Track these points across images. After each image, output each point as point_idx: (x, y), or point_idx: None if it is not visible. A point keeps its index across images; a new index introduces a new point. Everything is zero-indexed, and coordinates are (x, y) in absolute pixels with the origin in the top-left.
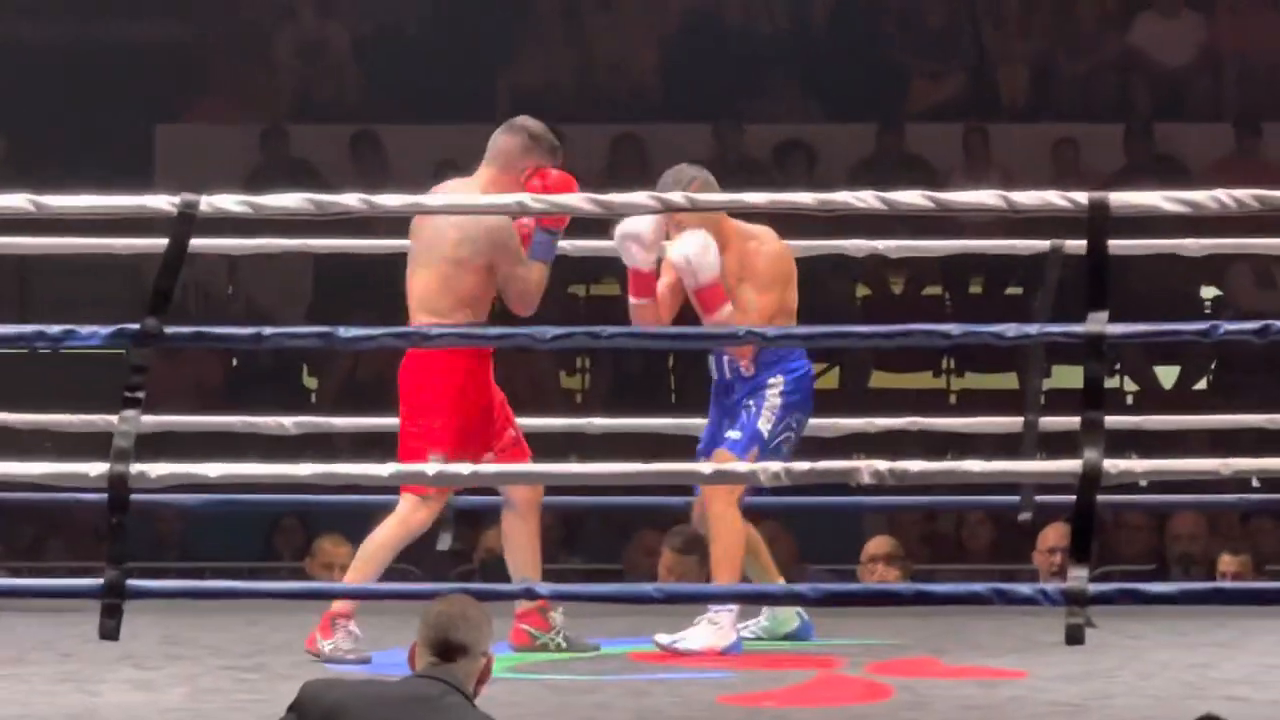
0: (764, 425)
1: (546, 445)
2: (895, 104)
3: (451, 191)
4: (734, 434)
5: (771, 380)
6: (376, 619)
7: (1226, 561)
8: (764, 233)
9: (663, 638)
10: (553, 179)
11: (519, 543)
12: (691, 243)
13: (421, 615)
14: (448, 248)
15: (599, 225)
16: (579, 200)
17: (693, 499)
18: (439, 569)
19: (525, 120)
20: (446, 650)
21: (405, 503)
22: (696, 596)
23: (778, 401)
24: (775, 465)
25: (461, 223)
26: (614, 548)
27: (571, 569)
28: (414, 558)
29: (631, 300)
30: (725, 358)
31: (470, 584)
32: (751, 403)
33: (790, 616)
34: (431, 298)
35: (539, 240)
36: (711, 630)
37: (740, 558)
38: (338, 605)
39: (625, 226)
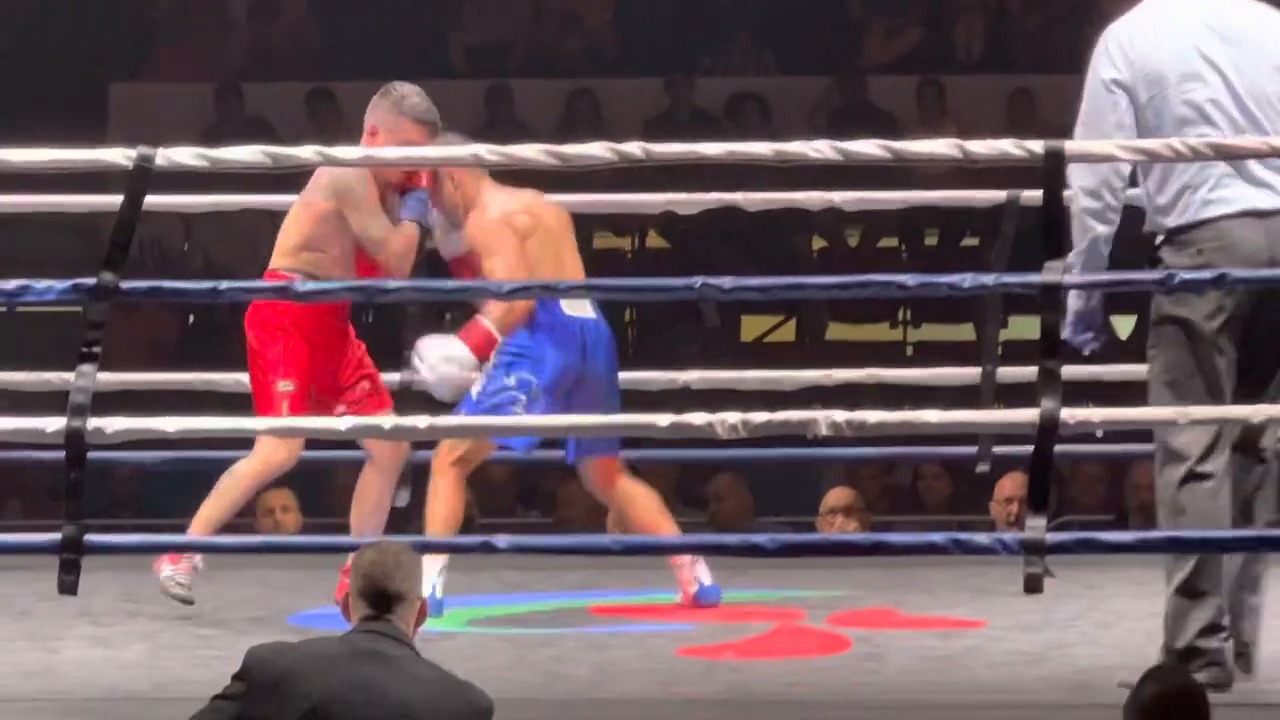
0: (474, 388)
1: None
2: (850, 57)
3: None
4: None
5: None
6: (303, 574)
7: None
8: (491, 199)
9: None
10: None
11: (367, 498)
12: (437, 376)
13: (353, 565)
14: (305, 192)
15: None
16: (535, 152)
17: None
18: (397, 526)
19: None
20: (384, 600)
21: (267, 443)
22: (655, 548)
23: (492, 362)
24: (732, 417)
25: (322, 169)
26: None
27: (531, 523)
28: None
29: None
30: None
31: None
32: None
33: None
34: (282, 236)
35: (408, 200)
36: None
37: (454, 517)
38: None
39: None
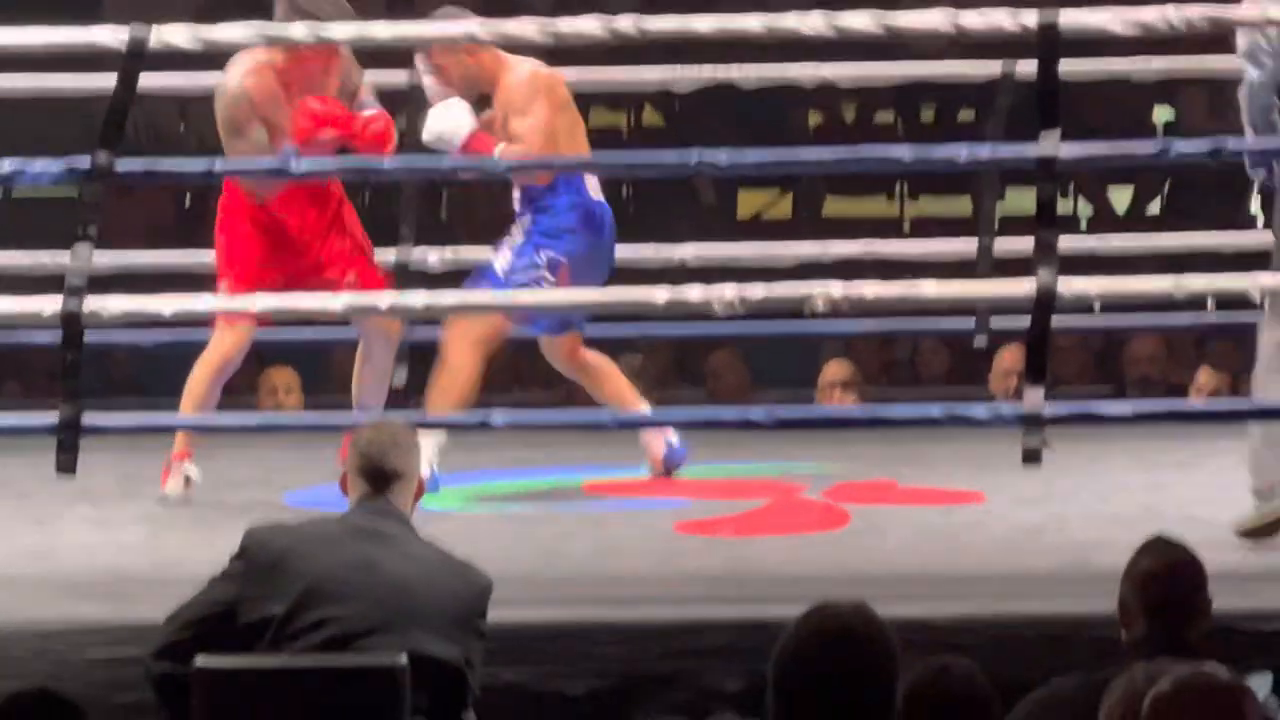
0: (500, 264)
1: None
2: None
3: None
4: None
5: (522, 218)
6: (296, 452)
7: (1207, 376)
8: (517, 62)
9: None
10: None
11: (361, 373)
12: (433, 121)
13: (351, 443)
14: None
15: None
16: (530, 28)
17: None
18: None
19: None
20: (381, 478)
21: (215, 331)
22: (649, 422)
23: (519, 240)
24: (730, 291)
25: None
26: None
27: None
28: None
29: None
30: (514, 192)
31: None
32: (502, 241)
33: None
34: None
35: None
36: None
37: (467, 397)
38: (177, 447)
39: (432, 132)
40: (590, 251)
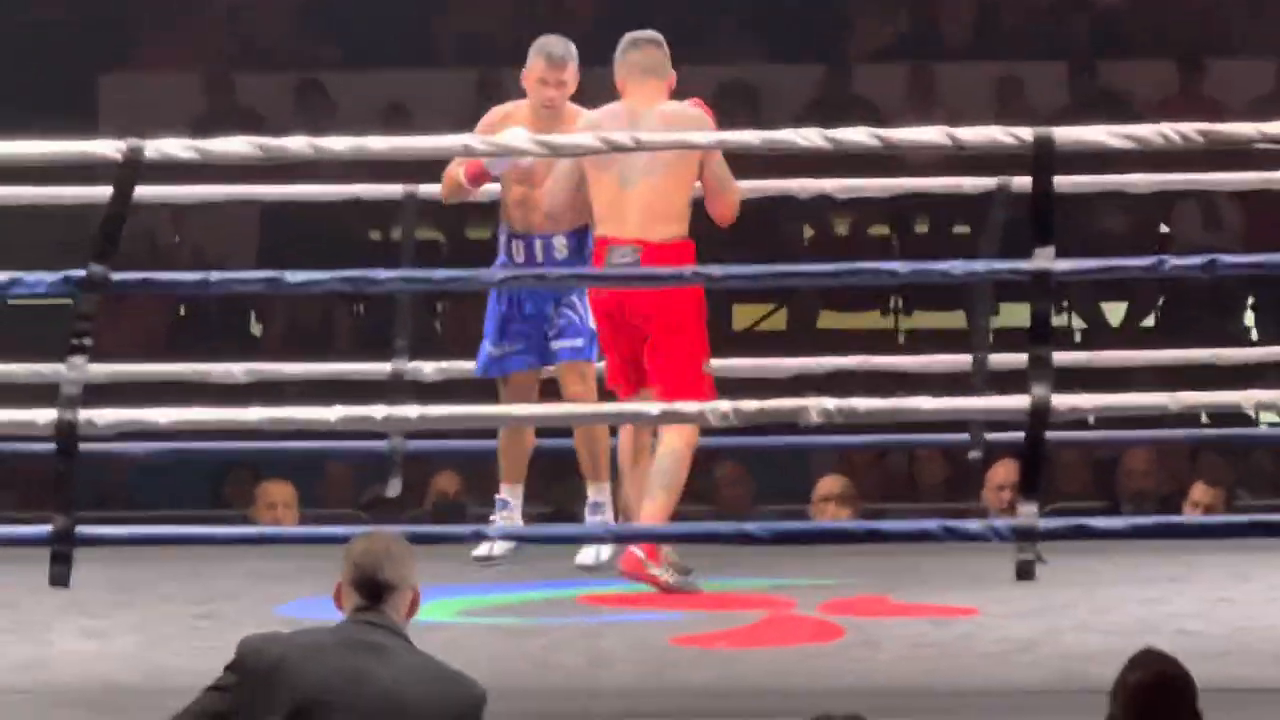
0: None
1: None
2: (840, 45)
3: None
4: (573, 342)
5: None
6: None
7: (1200, 491)
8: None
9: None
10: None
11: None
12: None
13: (344, 555)
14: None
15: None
16: (526, 142)
17: None
18: (388, 516)
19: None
20: (375, 590)
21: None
22: (645, 536)
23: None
24: (724, 405)
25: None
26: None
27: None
28: (359, 503)
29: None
30: (551, 240)
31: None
32: (573, 299)
33: None
34: (665, 205)
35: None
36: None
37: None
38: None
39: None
40: None
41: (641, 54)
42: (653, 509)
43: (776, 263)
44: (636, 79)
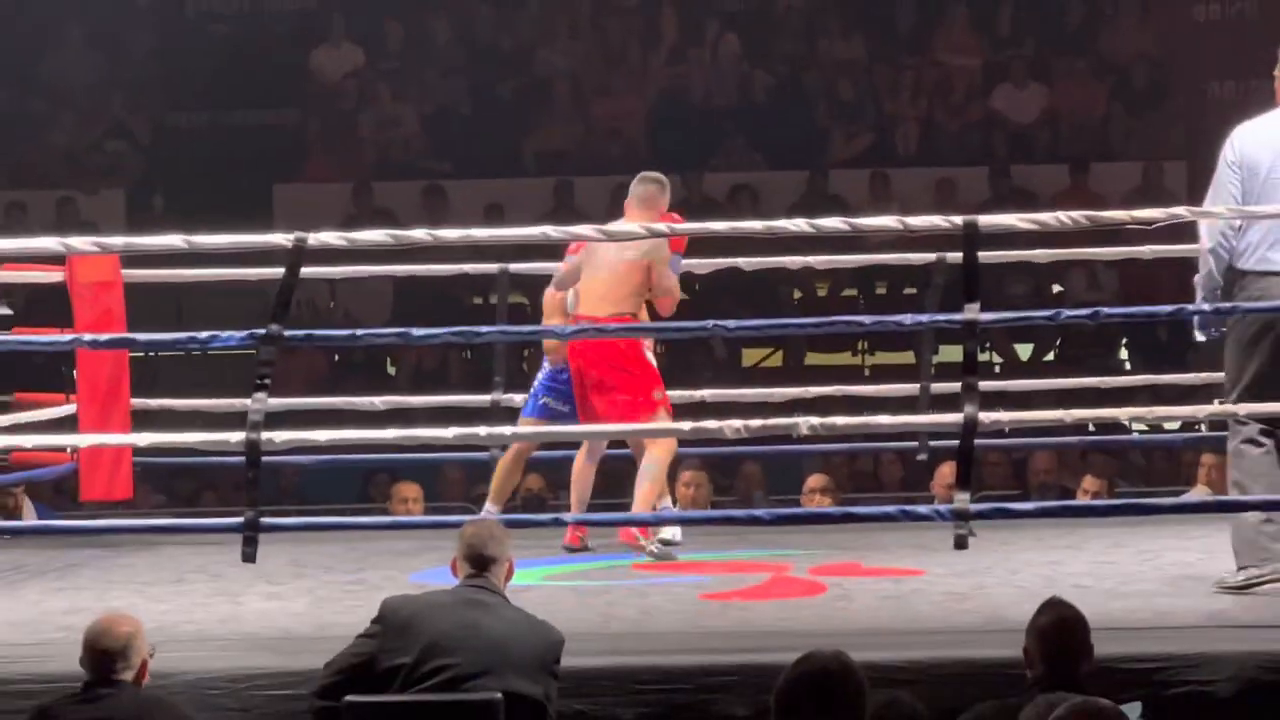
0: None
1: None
2: (819, 156)
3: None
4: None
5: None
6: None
7: (1090, 482)
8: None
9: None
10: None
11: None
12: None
13: (458, 536)
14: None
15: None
16: (590, 230)
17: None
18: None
19: (657, 174)
20: (482, 562)
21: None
22: (683, 520)
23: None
24: (738, 422)
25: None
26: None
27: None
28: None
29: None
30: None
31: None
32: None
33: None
34: (611, 288)
35: (674, 259)
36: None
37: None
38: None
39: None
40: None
41: (642, 189)
42: (641, 496)
43: (774, 318)
44: (634, 206)
